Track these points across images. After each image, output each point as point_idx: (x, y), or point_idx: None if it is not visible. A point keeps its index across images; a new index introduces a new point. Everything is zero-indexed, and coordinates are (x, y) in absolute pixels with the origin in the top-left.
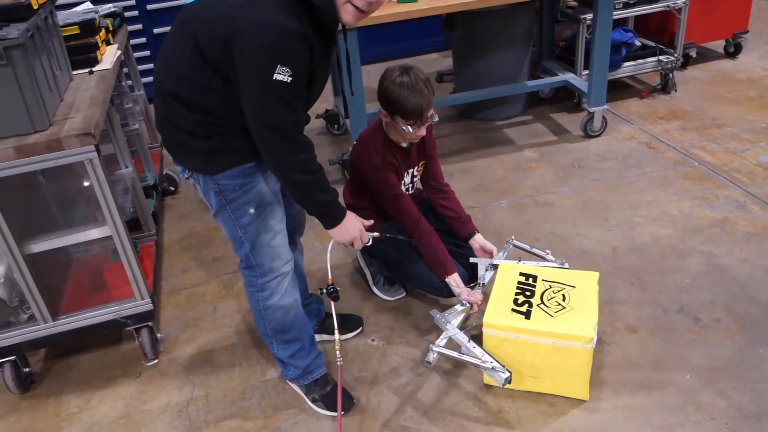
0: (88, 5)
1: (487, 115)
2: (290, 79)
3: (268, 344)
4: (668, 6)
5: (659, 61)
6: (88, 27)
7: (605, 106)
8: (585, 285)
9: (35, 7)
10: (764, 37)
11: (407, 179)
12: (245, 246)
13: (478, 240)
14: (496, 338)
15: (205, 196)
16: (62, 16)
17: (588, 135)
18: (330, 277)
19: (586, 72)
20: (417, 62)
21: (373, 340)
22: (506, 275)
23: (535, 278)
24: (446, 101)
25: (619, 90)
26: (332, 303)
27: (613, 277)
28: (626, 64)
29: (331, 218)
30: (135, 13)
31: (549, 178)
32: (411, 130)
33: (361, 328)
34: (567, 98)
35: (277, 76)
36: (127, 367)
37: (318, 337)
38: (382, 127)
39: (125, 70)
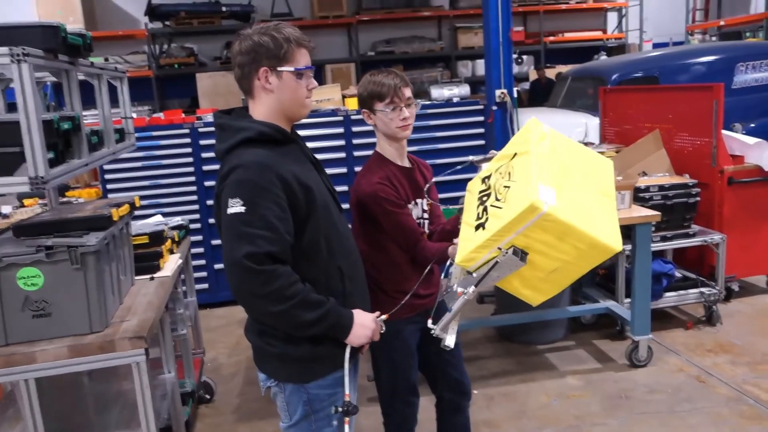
0: (159, 218)
1: (528, 338)
2: (243, 208)
3: None
4: (705, 241)
5: (701, 293)
6: (157, 237)
7: (650, 336)
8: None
9: (115, 219)
10: None
11: (416, 211)
12: None
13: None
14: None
15: (288, 405)
16: (135, 227)
17: (634, 364)
18: (348, 392)
19: (628, 300)
20: None
21: None
22: (471, 191)
23: (489, 176)
24: (487, 322)
25: (662, 320)
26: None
27: None
28: (668, 294)
29: (340, 328)
30: (198, 225)
31: (594, 408)
32: (391, 110)
33: None
34: (609, 325)
35: (230, 210)
36: None
37: None
38: (376, 152)
39: (182, 276)
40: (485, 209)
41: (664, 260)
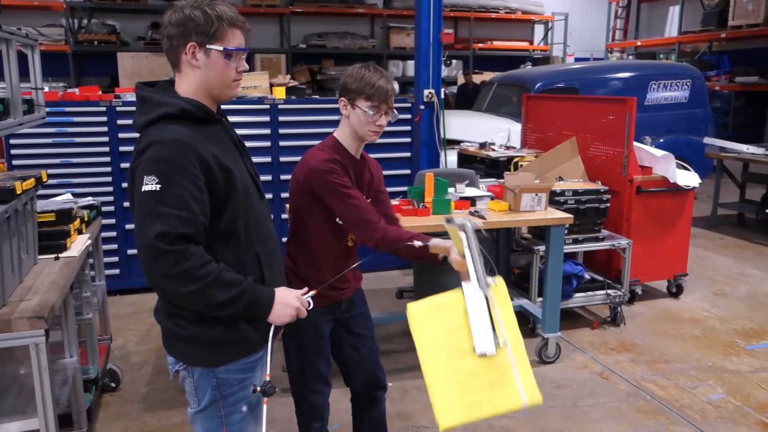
0: (68, 196)
1: None
2: (158, 186)
3: None
4: (613, 245)
5: (608, 294)
6: (65, 216)
7: (559, 334)
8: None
9: (18, 192)
10: (703, 281)
11: None
12: None
13: (437, 241)
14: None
15: (197, 390)
16: (41, 204)
17: (543, 360)
18: (269, 372)
19: (540, 299)
20: (379, 278)
21: None
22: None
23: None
24: (405, 316)
25: (571, 319)
26: (265, 399)
27: None
28: (577, 294)
29: (257, 307)
30: (111, 208)
31: None
32: (372, 113)
33: None
34: (522, 323)
35: (145, 188)
36: None
37: None
38: (334, 137)
39: (91, 260)
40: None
41: (575, 262)
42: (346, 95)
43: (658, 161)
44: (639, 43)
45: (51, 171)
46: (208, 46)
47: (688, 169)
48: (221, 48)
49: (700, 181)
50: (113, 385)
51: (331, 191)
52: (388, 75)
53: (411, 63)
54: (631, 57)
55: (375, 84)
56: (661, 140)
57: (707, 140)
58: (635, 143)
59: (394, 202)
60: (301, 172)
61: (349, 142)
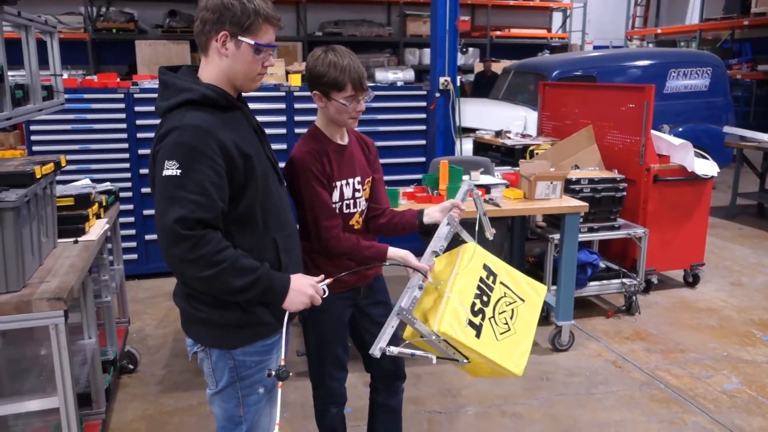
0: (87, 182)
1: None
2: (178, 171)
3: None
4: (629, 234)
5: (623, 283)
6: (83, 200)
7: (572, 322)
8: (533, 302)
9: (38, 177)
10: (720, 271)
11: (348, 191)
12: (241, 427)
13: (431, 211)
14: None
15: (214, 371)
16: (60, 189)
17: (556, 348)
18: (283, 357)
19: (554, 287)
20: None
21: None
22: (470, 262)
23: (495, 278)
24: None
25: (585, 308)
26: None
27: None
28: (592, 283)
29: (273, 293)
30: (129, 194)
31: (517, 388)
32: (350, 104)
33: None
34: None
35: (165, 172)
36: None
37: None
38: (315, 126)
39: (109, 245)
40: (483, 314)
41: (590, 251)
42: (318, 89)
43: (676, 150)
44: (659, 31)
45: (70, 157)
46: (240, 37)
47: (707, 158)
48: (252, 42)
49: (718, 170)
50: (131, 366)
51: (303, 181)
52: (353, 55)
53: (427, 51)
54: (651, 45)
55: (347, 73)
56: (680, 129)
57: (727, 129)
58: (653, 131)
59: (409, 189)
60: (287, 164)
61: (331, 130)
